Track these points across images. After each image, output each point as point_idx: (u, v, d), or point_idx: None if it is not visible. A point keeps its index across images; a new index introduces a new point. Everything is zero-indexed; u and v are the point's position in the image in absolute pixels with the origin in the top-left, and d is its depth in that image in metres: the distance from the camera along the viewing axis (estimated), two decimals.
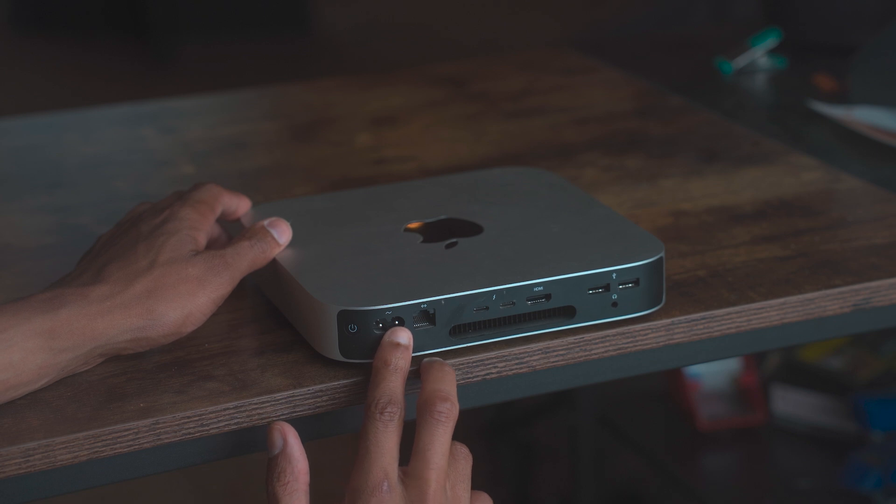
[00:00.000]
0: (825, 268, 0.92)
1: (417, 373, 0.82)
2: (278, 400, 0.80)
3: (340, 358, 0.81)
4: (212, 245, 0.90)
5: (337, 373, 0.81)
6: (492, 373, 0.83)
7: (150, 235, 0.84)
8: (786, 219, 1.00)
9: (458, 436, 0.79)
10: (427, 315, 0.81)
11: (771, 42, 1.41)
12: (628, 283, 0.84)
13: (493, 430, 2.08)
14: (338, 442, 0.80)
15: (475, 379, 0.83)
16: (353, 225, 0.91)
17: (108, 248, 0.85)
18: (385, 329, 0.80)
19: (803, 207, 1.02)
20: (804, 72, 1.38)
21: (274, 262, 0.87)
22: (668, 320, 0.86)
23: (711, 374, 1.87)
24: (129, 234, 0.85)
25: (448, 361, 0.82)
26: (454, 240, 0.88)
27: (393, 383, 0.79)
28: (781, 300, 0.88)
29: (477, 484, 0.80)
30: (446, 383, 0.79)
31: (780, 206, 1.02)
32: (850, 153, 1.17)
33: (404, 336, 0.81)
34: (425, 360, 0.81)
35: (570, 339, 0.84)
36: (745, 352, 0.91)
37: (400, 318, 0.81)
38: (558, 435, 2.01)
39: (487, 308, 0.82)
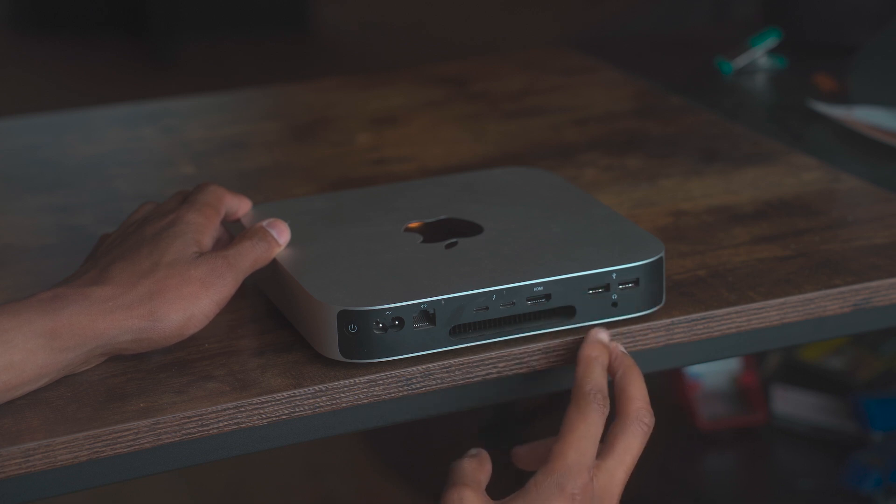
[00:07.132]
0: (825, 268, 0.92)
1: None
2: (278, 400, 0.80)
3: (340, 358, 0.81)
4: (215, 246, 0.90)
5: (337, 373, 0.81)
6: (492, 373, 0.83)
7: (154, 237, 0.84)
8: (786, 219, 1.00)
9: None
10: (427, 315, 0.81)
11: (771, 42, 1.41)
12: (628, 283, 0.84)
13: (492, 430, 2.08)
14: (338, 442, 0.80)
15: (475, 379, 0.83)
16: (353, 225, 0.91)
17: (113, 249, 0.85)
18: (385, 329, 0.80)
19: (803, 207, 1.02)
20: (804, 72, 1.38)
21: (274, 262, 0.87)
22: (668, 320, 0.86)
23: (711, 374, 1.87)
24: (134, 235, 0.85)
25: (448, 361, 0.82)
26: (454, 240, 0.88)
27: (603, 379, 0.82)
28: (781, 300, 0.88)
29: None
30: (646, 396, 0.83)
31: (780, 206, 1.02)
32: (850, 153, 1.17)
33: (605, 336, 0.84)
34: (630, 365, 0.84)
35: (570, 339, 0.84)
36: (745, 352, 0.91)
37: (400, 318, 0.80)
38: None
39: (487, 308, 0.82)
